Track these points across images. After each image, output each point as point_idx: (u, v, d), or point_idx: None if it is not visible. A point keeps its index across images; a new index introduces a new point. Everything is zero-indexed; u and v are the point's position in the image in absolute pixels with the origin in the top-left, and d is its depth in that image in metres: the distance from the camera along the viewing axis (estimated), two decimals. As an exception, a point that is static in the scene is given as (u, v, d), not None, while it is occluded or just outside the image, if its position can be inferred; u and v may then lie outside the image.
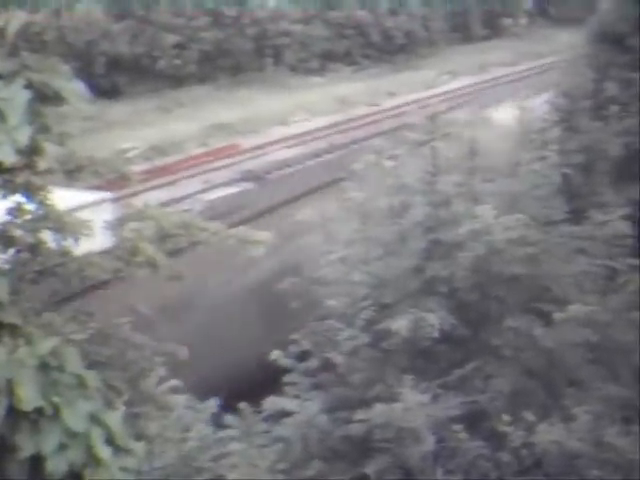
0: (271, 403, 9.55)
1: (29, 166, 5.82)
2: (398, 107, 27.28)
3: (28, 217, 6.44)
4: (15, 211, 6.46)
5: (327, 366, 10.22)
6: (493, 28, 44.30)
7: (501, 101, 21.33)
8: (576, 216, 11.46)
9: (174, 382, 7.08)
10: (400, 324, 9.47)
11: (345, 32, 38.68)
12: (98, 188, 12.83)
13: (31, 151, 5.55)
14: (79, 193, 10.92)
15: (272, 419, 9.63)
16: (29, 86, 5.49)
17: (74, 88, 5.76)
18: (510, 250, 10.28)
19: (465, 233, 10.17)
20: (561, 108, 15.10)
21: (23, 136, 5.07)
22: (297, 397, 9.76)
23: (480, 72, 35.28)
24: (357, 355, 10.02)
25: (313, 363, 10.11)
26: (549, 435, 9.00)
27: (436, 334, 9.51)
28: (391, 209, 11.00)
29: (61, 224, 6.52)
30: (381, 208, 11.06)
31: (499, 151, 12.00)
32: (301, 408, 9.60)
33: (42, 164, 5.75)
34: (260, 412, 9.46)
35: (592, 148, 14.21)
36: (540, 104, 16.19)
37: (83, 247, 6.81)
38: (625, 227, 11.22)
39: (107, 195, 13.22)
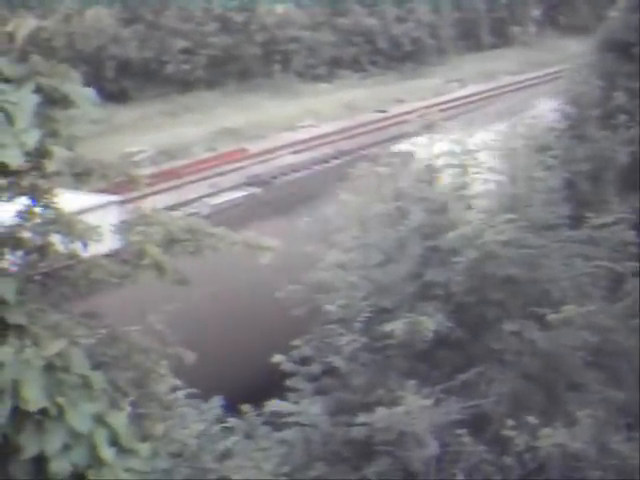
0: (273, 406, 9.60)
1: (37, 169, 5.87)
2: (405, 114, 27.30)
3: (37, 220, 6.50)
4: (24, 214, 6.52)
5: (329, 370, 10.26)
6: (502, 36, 44.34)
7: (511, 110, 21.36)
8: (579, 222, 11.52)
9: (176, 382, 7.10)
10: (395, 326, 9.53)
11: (353, 39, 38.80)
12: (105, 191, 12.90)
13: (39, 154, 5.61)
14: (86, 196, 10.98)
15: (275, 422, 9.67)
16: (38, 90, 5.56)
17: (83, 92, 5.81)
18: (504, 252, 10.32)
19: (456, 238, 10.23)
20: (569, 116, 15.15)
21: (31, 139, 5.13)
22: (299, 401, 9.80)
23: (488, 80, 35.32)
24: (357, 359, 10.06)
25: (315, 367, 10.15)
26: (552, 439, 9.02)
27: (430, 335, 9.55)
28: (389, 215, 11.06)
29: (70, 228, 6.58)
30: (379, 214, 11.12)
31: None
32: (303, 411, 9.64)
33: (50, 167, 5.80)
34: (262, 415, 9.51)
35: (599, 156, 14.25)
36: (547, 112, 16.24)
37: (90, 250, 6.86)
38: (627, 233, 11.27)
39: (114, 198, 13.28)
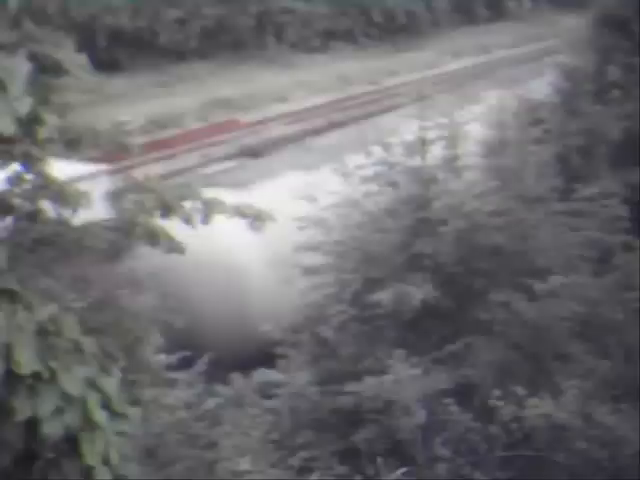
0: (262, 375, 9.69)
1: (29, 136, 5.88)
2: (398, 86, 27.25)
3: (27, 186, 6.52)
4: (14, 180, 6.53)
5: (318, 339, 10.34)
6: (496, 10, 44.06)
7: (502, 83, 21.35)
8: (569, 195, 11.58)
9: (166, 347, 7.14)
10: (384, 296, 9.59)
11: (347, 11, 38.56)
12: (96, 160, 12.88)
13: (31, 121, 5.62)
14: (77, 165, 10.97)
15: (263, 390, 9.75)
16: (31, 57, 5.56)
17: (76, 60, 5.82)
18: (492, 223, 10.39)
19: (444, 207, 10.28)
20: (562, 90, 15.17)
21: (23, 106, 5.14)
22: (288, 370, 9.88)
23: (482, 53, 35.18)
24: (346, 329, 10.12)
25: (304, 336, 10.22)
26: (538, 409, 9.12)
27: (418, 305, 9.61)
28: (379, 185, 11.10)
29: (60, 194, 6.60)
30: (370, 184, 11.15)
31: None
32: (292, 380, 9.72)
33: (42, 134, 5.81)
34: (251, 383, 9.59)
35: (592, 131, 14.30)
36: (540, 86, 16.25)
37: (81, 218, 6.89)
38: (617, 206, 11.34)
39: (105, 167, 13.27)
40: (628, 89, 14.58)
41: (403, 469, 8.04)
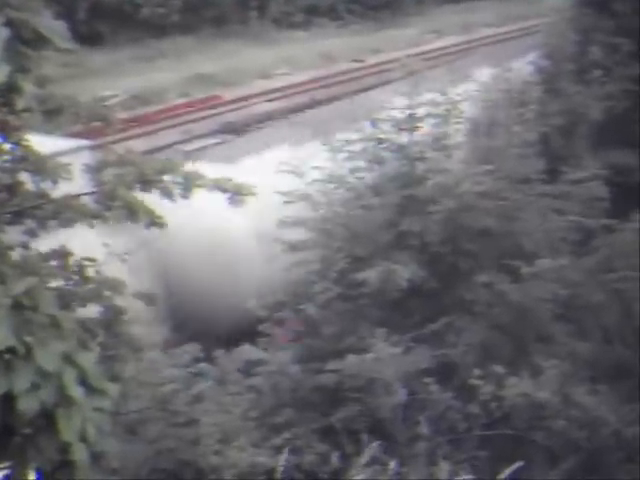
0: (244, 352, 9.64)
1: (6, 105, 5.76)
2: (382, 64, 27.11)
3: (6, 157, 6.40)
4: (-8, 151, 6.42)
5: (301, 317, 10.28)
6: (480, -12, 43.96)
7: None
8: (553, 176, 11.56)
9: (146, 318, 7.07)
10: (369, 274, 9.54)
11: (331, -14, 38.33)
12: (76, 136, 12.72)
13: (9, 90, 5.49)
14: (57, 140, 10.84)
15: (246, 368, 9.71)
16: (9, 24, 5.41)
17: (55, 27, 5.67)
18: (480, 204, 10.36)
19: (434, 187, 10.23)
20: (544, 70, 15.12)
21: (1, 74, 5.00)
22: (269, 348, 9.83)
23: (465, 32, 35.08)
24: (330, 307, 10.07)
25: (287, 314, 10.16)
26: (517, 388, 9.16)
27: (405, 284, 9.58)
28: (366, 162, 11.02)
29: (40, 166, 6.49)
30: (356, 160, 11.07)
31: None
32: (273, 358, 9.67)
33: (20, 103, 5.69)
34: (234, 361, 9.53)
35: (573, 111, 14.27)
36: (523, 66, 16.19)
37: (61, 191, 6.79)
38: (599, 188, 11.34)
39: (85, 142, 13.12)
40: (609, 69, 14.56)
41: (376, 443, 8.02)
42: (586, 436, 9.78)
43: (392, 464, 7.54)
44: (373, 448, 7.83)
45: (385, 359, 8.94)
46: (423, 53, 28.80)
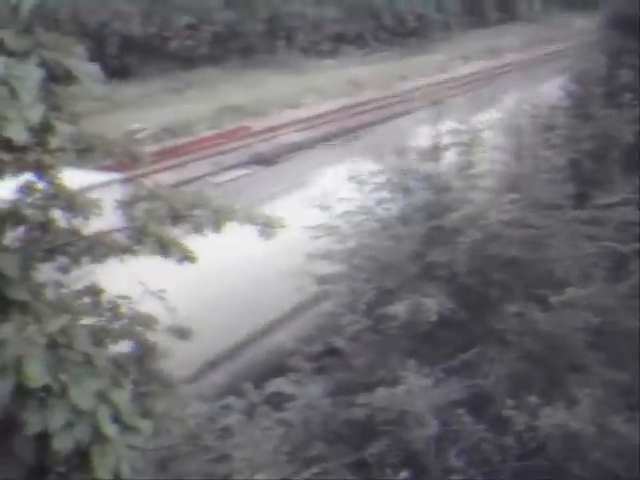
0: (274, 386, 9.60)
1: (40, 145, 5.84)
2: (410, 90, 27.22)
3: (38, 195, 6.48)
4: (26, 189, 6.50)
5: (330, 350, 10.25)
6: (507, 12, 44.01)
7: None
8: (583, 202, 11.49)
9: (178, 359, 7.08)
10: (398, 308, 9.51)
11: (357, 15, 38.61)
12: (107, 169, 12.84)
13: (43, 130, 5.57)
14: (88, 174, 10.94)
15: (276, 402, 9.67)
16: (42, 64, 5.50)
17: (87, 68, 5.76)
18: (507, 232, 10.30)
19: (460, 218, 10.19)
20: (573, 94, 15.08)
21: (35, 114, 5.08)
22: (300, 381, 9.80)
23: (492, 57, 35.18)
24: (359, 340, 10.03)
25: (316, 347, 10.14)
26: (552, 419, 9.04)
27: (434, 318, 9.53)
28: (393, 194, 11.02)
29: (71, 202, 6.56)
30: (383, 190, 11.07)
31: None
32: (304, 392, 9.64)
33: (54, 142, 5.76)
34: (263, 394, 9.51)
35: (604, 135, 14.19)
36: (551, 90, 16.16)
37: (93, 227, 6.85)
38: (632, 213, 11.24)
39: (116, 176, 13.25)
40: (639, 92, 14.48)
41: (405, 473, 7.94)
42: (624, 466, 9.61)
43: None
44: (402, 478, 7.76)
45: (416, 391, 8.87)
46: (451, 79, 28.88)
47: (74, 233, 6.70)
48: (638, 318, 10.81)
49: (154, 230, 6.64)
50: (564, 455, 9.49)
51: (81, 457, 5.05)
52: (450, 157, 11.21)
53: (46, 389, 4.96)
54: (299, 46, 36.45)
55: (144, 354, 6.77)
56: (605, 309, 10.56)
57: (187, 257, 6.83)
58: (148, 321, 6.90)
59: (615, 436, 9.55)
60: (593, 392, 9.68)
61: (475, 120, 11.69)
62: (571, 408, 9.39)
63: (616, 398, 10.10)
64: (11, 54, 5.43)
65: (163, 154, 21.60)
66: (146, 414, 6.21)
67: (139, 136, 22.69)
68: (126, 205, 7.14)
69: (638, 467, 9.59)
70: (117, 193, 9.54)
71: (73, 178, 6.92)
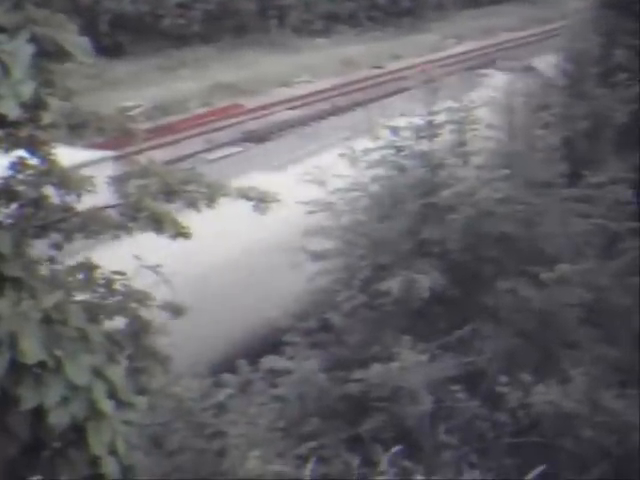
0: (269, 362, 9.62)
1: (33, 120, 5.81)
2: (402, 70, 27.10)
3: (31, 172, 6.45)
4: (18, 166, 6.47)
5: (325, 326, 10.28)
6: (501, -9, 43.85)
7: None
8: (577, 180, 11.51)
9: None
10: (391, 285, 9.54)
11: (350, -7, 38.40)
12: (100, 147, 12.80)
13: (35, 105, 5.53)
14: (81, 151, 10.89)
15: (270, 378, 9.70)
16: (34, 40, 5.45)
17: (79, 43, 5.71)
18: (500, 210, 10.32)
19: (452, 195, 10.21)
20: (567, 73, 15.05)
21: (27, 90, 5.04)
22: (295, 356, 9.83)
23: (486, 37, 35.01)
24: (355, 316, 10.06)
25: (312, 323, 10.16)
26: (545, 396, 9.09)
27: (426, 294, 9.56)
28: (386, 169, 11.02)
29: (64, 179, 6.54)
30: (377, 168, 11.07)
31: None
32: (299, 367, 9.66)
33: (46, 118, 5.73)
34: (258, 371, 9.53)
35: (598, 114, 14.19)
36: (546, 69, 16.12)
37: (86, 203, 6.83)
38: (624, 191, 11.27)
39: (109, 153, 13.20)
40: (634, 72, 14.47)
41: (396, 448, 7.98)
42: (615, 441, 9.69)
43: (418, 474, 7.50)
44: (393, 454, 7.80)
45: (411, 367, 8.91)
46: (443, 59, 28.78)
47: (67, 210, 6.68)
48: (630, 295, 10.87)
49: (148, 205, 6.63)
50: (557, 432, 9.55)
51: (76, 433, 5.04)
52: (444, 135, 11.19)
53: (41, 365, 4.95)
54: (292, 25, 36.25)
55: (139, 330, 6.78)
56: (597, 286, 10.61)
57: (181, 233, 6.82)
58: (143, 297, 6.90)
59: (607, 412, 9.62)
60: (585, 369, 9.74)
61: (469, 98, 11.67)
62: (564, 385, 9.44)
63: (608, 375, 10.17)
64: (2, 30, 5.38)
65: (156, 131, 21.52)
66: (142, 390, 6.22)
67: (132, 113, 22.60)
68: (119, 181, 7.13)
69: (629, 442, 9.67)
70: (110, 170, 9.51)
71: (66, 156, 6.90)
